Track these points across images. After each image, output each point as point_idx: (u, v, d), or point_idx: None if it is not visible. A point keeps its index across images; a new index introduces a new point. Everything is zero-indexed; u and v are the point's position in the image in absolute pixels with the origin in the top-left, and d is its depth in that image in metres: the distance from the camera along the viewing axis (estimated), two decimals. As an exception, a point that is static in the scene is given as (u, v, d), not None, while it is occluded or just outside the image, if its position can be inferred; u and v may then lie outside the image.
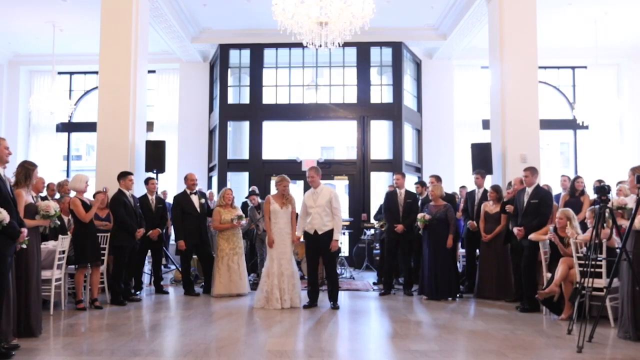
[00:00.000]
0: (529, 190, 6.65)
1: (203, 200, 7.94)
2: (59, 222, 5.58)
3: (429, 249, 7.28)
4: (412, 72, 12.90)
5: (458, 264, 8.64)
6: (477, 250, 7.87)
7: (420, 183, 8.70)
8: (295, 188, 11.71)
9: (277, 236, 6.58)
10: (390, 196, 7.97)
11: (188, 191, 7.82)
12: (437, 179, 7.97)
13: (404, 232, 7.66)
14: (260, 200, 9.14)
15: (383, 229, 8.69)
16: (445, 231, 7.24)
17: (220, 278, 7.38)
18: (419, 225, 7.31)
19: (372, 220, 10.58)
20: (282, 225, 6.63)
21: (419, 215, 7.32)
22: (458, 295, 7.45)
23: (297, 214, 6.87)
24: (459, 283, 7.77)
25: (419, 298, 7.35)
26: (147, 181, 7.85)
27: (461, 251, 8.57)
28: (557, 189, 8.99)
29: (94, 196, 7.22)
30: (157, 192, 8.03)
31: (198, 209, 7.74)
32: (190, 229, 7.65)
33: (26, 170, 5.06)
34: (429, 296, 7.22)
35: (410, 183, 9.19)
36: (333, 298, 6.58)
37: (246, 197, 9.71)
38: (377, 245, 10.06)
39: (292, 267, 6.62)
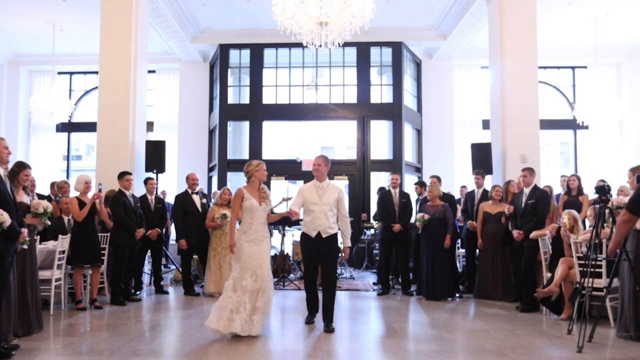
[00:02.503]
0: (527, 190, 6.68)
1: (204, 200, 7.95)
2: (49, 222, 5.58)
3: (427, 249, 7.28)
4: (412, 72, 12.91)
5: (458, 264, 8.65)
6: (477, 250, 7.88)
7: (420, 183, 8.70)
8: (296, 188, 11.71)
9: (252, 242, 5.10)
10: (385, 196, 7.98)
11: (189, 191, 7.83)
12: (438, 179, 7.99)
13: (399, 232, 7.67)
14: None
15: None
16: (443, 231, 7.24)
17: (211, 276, 7.40)
18: (418, 226, 7.31)
19: (372, 221, 10.57)
20: (259, 227, 5.19)
21: (419, 215, 7.32)
22: (458, 295, 7.45)
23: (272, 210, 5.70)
24: (458, 283, 7.77)
25: (418, 298, 7.35)
26: (146, 181, 7.86)
27: (460, 251, 8.57)
28: (557, 189, 8.99)
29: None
30: (156, 192, 8.02)
31: (199, 209, 7.75)
32: (191, 228, 7.66)
33: (12, 171, 5.09)
34: (428, 296, 7.21)
35: (410, 183, 9.21)
36: (328, 317, 5.36)
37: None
38: (377, 245, 10.06)
39: (269, 279, 5.19)
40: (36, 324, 5.01)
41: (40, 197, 7.36)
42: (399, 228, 7.66)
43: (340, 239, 5.76)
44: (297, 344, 4.84)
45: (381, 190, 9.29)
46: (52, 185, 8.32)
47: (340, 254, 6.18)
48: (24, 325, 4.85)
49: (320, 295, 5.67)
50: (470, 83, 12.76)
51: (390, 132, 12.12)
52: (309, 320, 5.61)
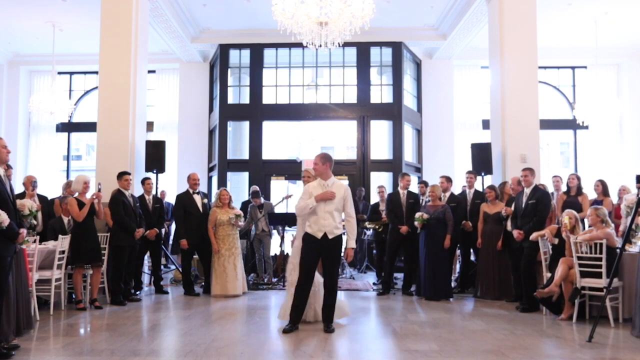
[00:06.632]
0: (527, 191, 6.67)
1: (205, 200, 7.97)
2: (35, 222, 5.57)
3: (426, 249, 7.27)
4: (412, 72, 12.91)
5: (457, 265, 8.68)
6: (471, 250, 7.92)
7: (424, 183, 8.68)
8: (295, 188, 11.72)
9: None
10: (393, 197, 7.98)
11: (190, 191, 7.84)
12: (447, 179, 7.99)
13: (407, 233, 7.65)
14: (263, 201, 9.11)
15: (379, 229, 8.70)
16: (443, 231, 7.23)
17: (216, 279, 7.42)
18: (417, 225, 7.31)
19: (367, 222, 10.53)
20: None
21: (417, 215, 7.30)
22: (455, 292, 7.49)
23: None
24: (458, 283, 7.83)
25: (417, 298, 7.35)
26: (144, 181, 7.87)
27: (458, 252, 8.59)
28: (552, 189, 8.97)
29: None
30: (156, 192, 8.01)
31: (200, 209, 7.77)
32: (192, 228, 7.67)
33: None
34: (427, 296, 7.21)
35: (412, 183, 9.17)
36: (328, 318, 5.32)
37: (251, 198, 9.56)
38: (374, 245, 10.06)
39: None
40: (25, 324, 4.99)
41: (41, 198, 7.39)
42: (406, 230, 7.61)
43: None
44: (297, 344, 4.84)
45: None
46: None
47: (342, 256, 5.89)
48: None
49: (317, 296, 5.62)
50: (470, 83, 12.76)
51: (390, 132, 12.12)
52: (290, 329, 5.18)
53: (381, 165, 12.09)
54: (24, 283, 5.09)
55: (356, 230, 5.52)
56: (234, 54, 12.39)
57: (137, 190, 7.92)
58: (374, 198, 11.58)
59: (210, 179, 12.73)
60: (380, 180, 12.24)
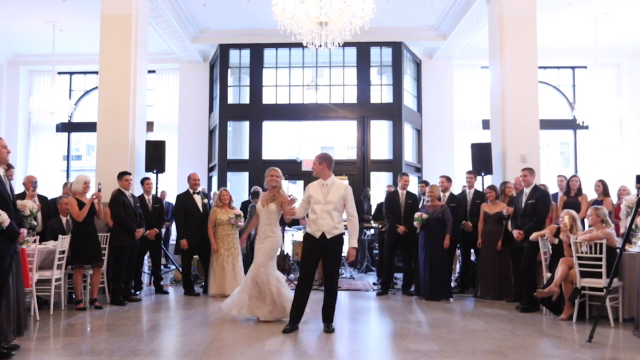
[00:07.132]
0: (527, 191, 6.68)
1: (206, 200, 7.97)
2: (35, 223, 5.56)
3: (425, 249, 7.27)
4: (412, 72, 12.91)
5: (457, 265, 8.68)
6: (472, 250, 7.92)
7: (424, 182, 8.68)
8: (295, 188, 11.72)
9: (258, 240, 5.89)
10: (392, 197, 7.98)
11: (191, 191, 7.84)
12: (448, 179, 7.99)
13: (405, 233, 7.66)
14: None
15: (383, 229, 8.69)
16: (442, 231, 7.24)
17: (214, 278, 7.43)
18: (416, 225, 7.31)
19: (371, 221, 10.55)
20: (262, 227, 5.87)
21: (417, 215, 7.31)
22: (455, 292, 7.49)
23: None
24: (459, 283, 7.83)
25: (417, 298, 7.35)
26: (143, 181, 7.87)
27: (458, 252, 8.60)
28: (553, 189, 8.99)
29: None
30: (156, 192, 8.01)
31: (200, 209, 7.77)
32: (192, 228, 7.67)
33: None
34: (426, 296, 7.21)
35: (410, 183, 9.18)
36: (328, 317, 5.30)
37: (251, 198, 9.57)
38: (376, 245, 10.06)
39: (264, 272, 5.73)
40: (23, 324, 4.99)
41: (41, 198, 7.39)
42: (403, 230, 7.63)
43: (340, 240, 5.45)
44: (297, 344, 4.84)
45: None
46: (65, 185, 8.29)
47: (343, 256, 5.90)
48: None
49: (318, 296, 5.70)
50: (470, 83, 12.76)
51: (390, 132, 12.12)
52: (290, 329, 5.19)
53: (381, 165, 12.09)
54: (22, 283, 5.09)
55: (358, 229, 5.44)
56: (234, 54, 12.39)
57: (137, 190, 7.93)
58: (374, 198, 11.60)
59: (210, 179, 12.73)
60: (380, 180, 12.28)
